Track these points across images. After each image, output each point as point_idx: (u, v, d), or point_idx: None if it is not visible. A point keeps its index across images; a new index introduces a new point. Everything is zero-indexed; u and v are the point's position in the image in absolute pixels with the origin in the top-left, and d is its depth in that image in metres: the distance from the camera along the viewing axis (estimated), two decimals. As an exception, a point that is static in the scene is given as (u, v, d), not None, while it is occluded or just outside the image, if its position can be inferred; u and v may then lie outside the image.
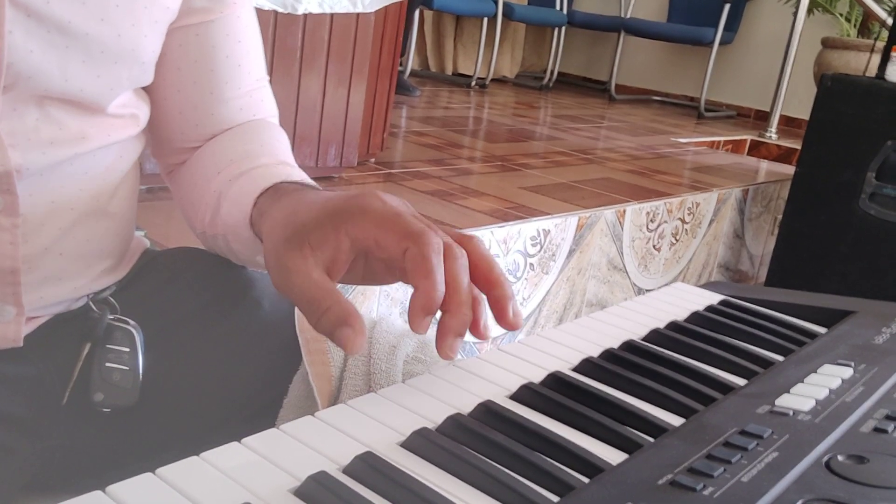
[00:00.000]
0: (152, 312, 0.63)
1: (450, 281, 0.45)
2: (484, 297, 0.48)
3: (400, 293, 1.43)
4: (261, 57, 0.68)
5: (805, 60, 4.05)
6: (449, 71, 4.83)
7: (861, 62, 3.61)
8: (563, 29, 4.96)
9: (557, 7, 5.00)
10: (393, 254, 0.45)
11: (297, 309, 0.58)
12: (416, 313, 0.43)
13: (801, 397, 0.45)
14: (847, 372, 0.49)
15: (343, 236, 0.46)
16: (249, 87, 0.66)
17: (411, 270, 0.44)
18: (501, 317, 0.47)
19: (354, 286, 0.93)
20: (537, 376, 0.48)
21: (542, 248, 1.76)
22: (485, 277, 0.47)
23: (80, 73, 0.53)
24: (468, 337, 0.46)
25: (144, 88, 0.62)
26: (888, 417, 0.42)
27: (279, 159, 0.62)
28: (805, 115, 2.46)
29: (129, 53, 0.56)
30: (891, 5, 3.65)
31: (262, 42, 0.68)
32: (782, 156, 3.59)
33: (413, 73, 4.43)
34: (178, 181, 0.68)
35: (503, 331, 0.48)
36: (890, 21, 2.33)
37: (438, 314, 0.45)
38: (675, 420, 0.44)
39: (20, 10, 0.49)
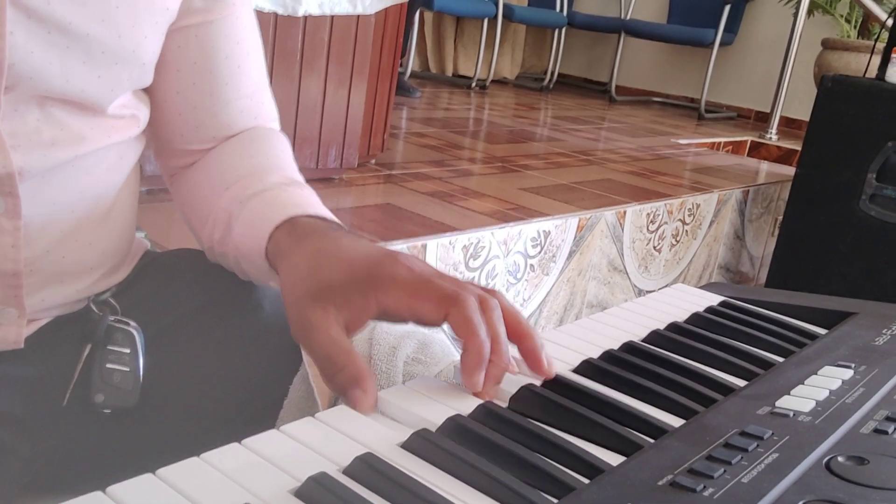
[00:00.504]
0: (153, 314, 0.63)
1: (491, 332, 0.47)
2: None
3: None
4: (261, 60, 0.68)
5: (805, 62, 4.05)
6: (449, 72, 4.83)
7: (861, 63, 3.60)
8: (564, 30, 4.96)
9: (558, 8, 5.00)
10: (430, 321, 0.48)
11: None
12: (472, 371, 0.46)
13: (802, 399, 0.45)
14: (847, 373, 0.49)
15: (372, 303, 0.48)
16: (250, 90, 0.66)
17: (458, 332, 0.47)
18: (537, 367, 0.49)
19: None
20: (537, 378, 0.48)
21: (542, 249, 1.76)
22: (514, 330, 0.49)
23: (80, 74, 0.53)
24: None
25: (144, 90, 0.62)
26: (888, 419, 0.42)
27: (288, 176, 0.63)
28: (805, 116, 2.46)
29: (129, 54, 0.56)
30: (891, 6, 3.65)
31: (261, 45, 0.68)
32: (783, 157, 3.59)
33: (413, 75, 4.43)
34: (181, 188, 0.68)
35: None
36: (890, 22, 2.33)
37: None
38: (675, 421, 0.44)
39: (21, 11, 0.49)
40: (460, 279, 0.49)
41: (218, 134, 0.65)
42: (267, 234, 0.56)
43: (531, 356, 0.49)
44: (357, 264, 0.49)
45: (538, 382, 0.47)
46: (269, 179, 0.61)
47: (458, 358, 0.46)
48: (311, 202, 0.59)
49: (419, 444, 0.39)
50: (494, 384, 0.47)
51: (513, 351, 0.48)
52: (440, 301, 0.47)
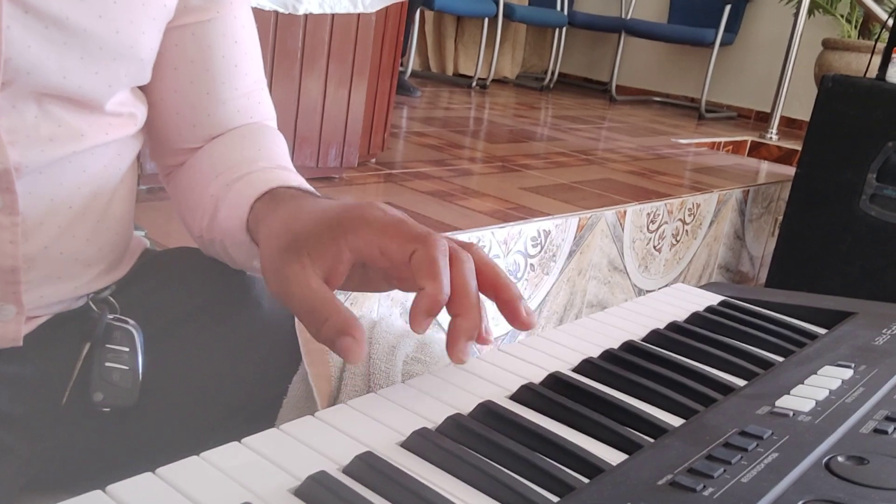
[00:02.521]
0: (152, 312, 0.63)
1: (460, 284, 0.44)
2: (484, 303, 0.48)
3: (400, 294, 1.43)
4: (258, 59, 0.68)
5: (806, 61, 4.05)
6: (450, 71, 4.83)
7: (862, 63, 3.60)
8: (564, 30, 4.96)
9: (558, 8, 5.00)
10: (398, 259, 0.45)
11: None
12: (419, 314, 0.43)
13: (801, 398, 0.45)
14: (847, 373, 0.49)
15: (343, 246, 0.46)
16: (247, 89, 0.66)
17: (418, 272, 0.44)
18: (515, 318, 0.46)
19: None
20: (537, 377, 0.48)
21: (542, 248, 1.76)
22: (490, 282, 0.47)
23: (78, 70, 0.53)
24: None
25: (142, 88, 0.62)
26: (888, 418, 0.42)
27: (277, 163, 0.62)
28: (806, 116, 2.46)
29: (127, 50, 0.56)
30: (891, 6, 3.65)
31: (259, 45, 0.68)
32: (783, 157, 3.59)
33: (414, 74, 4.43)
34: (175, 184, 0.68)
35: (504, 332, 0.48)
36: (890, 22, 2.33)
37: (440, 316, 0.45)
38: (675, 421, 0.44)
39: (18, 6, 0.49)
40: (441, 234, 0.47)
41: (214, 132, 0.65)
42: (248, 207, 0.56)
43: (507, 307, 0.46)
44: (329, 212, 0.48)
45: (537, 381, 0.47)
46: (256, 165, 0.61)
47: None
48: (294, 179, 0.59)
49: (419, 443, 0.39)
50: (465, 340, 0.44)
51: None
52: (408, 239, 0.45)
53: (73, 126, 0.56)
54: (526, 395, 0.46)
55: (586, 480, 0.37)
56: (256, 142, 0.65)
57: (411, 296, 0.45)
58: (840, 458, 0.38)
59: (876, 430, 0.41)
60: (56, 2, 0.50)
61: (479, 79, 4.55)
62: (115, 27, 0.54)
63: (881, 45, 2.28)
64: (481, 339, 0.46)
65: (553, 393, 0.46)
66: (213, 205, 0.61)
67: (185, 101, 0.64)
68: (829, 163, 2.17)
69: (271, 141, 0.66)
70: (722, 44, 4.54)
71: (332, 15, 1.67)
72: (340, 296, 0.55)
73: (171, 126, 0.65)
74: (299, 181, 0.60)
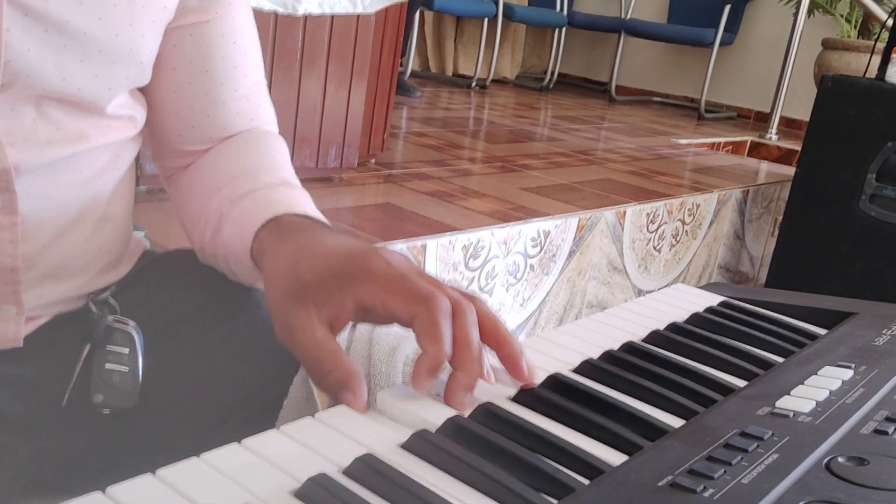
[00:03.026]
0: (152, 313, 0.63)
1: (461, 338, 0.45)
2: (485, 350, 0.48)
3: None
4: (258, 61, 0.67)
5: (805, 61, 4.05)
6: (449, 72, 4.83)
7: (861, 63, 3.60)
8: (564, 30, 4.96)
9: (558, 8, 5.00)
10: (401, 318, 0.46)
11: None
12: (421, 374, 0.44)
13: (802, 399, 0.45)
14: (847, 373, 0.49)
15: (348, 297, 0.47)
16: (246, 91, 0.66)
17: (419, 335, 0.45)
18: (517, 374, 0.47)
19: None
20: (537, 378, 0.48)
21: (542, 249, 1.76)
22: (492, 336, 0.47)
23: (77, 73, 0.53)
24: None
25: (141, 89, 0.62)
26: (888, 419, 0.42)
27: (281, 177, 0.62)
28: (805, 116, 2.46)
29: (126, 53, 0.56)
30: (891, 6, 3.65)
31: (259, 46, 0.68)
32: (782, 157, 3.59)
33: (413, 74, 4.43)
34: (177, 189, 0.68)
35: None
36: (890, 22, 2.33)
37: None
38: (675, 422, 0.44)
39: (18, 9, 0.49)
40: (441, 281, 0.48)
41: (214, 134, 0.65)
42: (252, 234, 0.56)
43: (509, 362, 0.47)
44: (334, 260, 0.48)
45: (537, 382, 0.47)
46: (261, 179, 0.61)
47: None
48: (299, 202, 0.59)
49: (419, 444, 0.39)
50: (464, 392, 0.44)
51: (493, 361, 0.47)
52: (411, 299, 0.45)
53: (72, 129, 0.56)
54: (525, 396, 0.46)
55: (586, 482, 0.37)
56: (259, 151, 0.65)
57: None
58: (840, 459, 0.38)
59: (876, 431, 0.41)
60: (56, 5, 0.50)
61: (478, 79, 4.55)
62: (114, 30, 0.54)
63: (881, 45, 2.28)
64: (485, 378, 0.46)
65: (553, 394, 0.46)
66: (216, 220, 0.60)
67: (183, 101, 0.64)
68: (828, 163, 2.17)
69: (274, 149, 0.66)
70: (721, 44, 4.54)
71: (332, 15, 1.67)
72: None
73: (170, 127, 0.65)
74: (303, 203, 0.59)
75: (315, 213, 0.58)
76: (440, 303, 0.45)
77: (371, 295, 0.46)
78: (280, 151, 0.66)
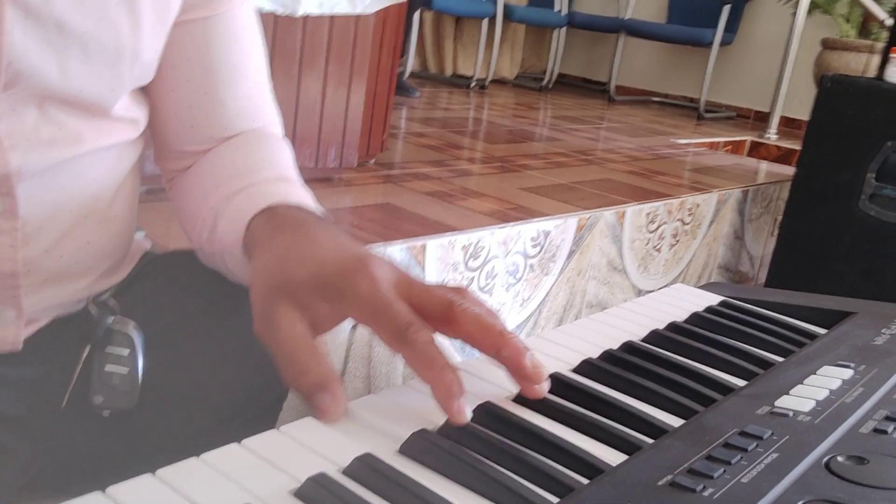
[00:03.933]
0: (152, 314, 0.63)
1: (476, 327, 0.44)
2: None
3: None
4: (261, 62, 0.66)
5: (805, 61, 4.05)
6: (448, 72, 4.83)
7: (861, 63, 3.61)
8: (563, 30, 4.96)
9: (557, 8, 5.00)
10: (388, 345, 0.44)
11: None
12: (448, 403, 0.42)
13: (801, 398, 0.45)
14: (847, 373, 0.49)
15: (337, 313, 0.46)
16: (248, 91, 0.65)
17: (415, 370, 0.43)
18: (520, 374, 0.45)
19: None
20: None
21: (542, 249, 1.76)
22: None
23: (79, 73, 0.53)
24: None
25: (142, 89, 0.62)
26: (888, 418, 0.42)
27: (280, 173, 0.61)
28: (805, 116, 2.46)
29: (129, 53, 0.55)
30: (891, 6, 3.65)
31: (263, 47, 0.67)
32: (782, 157, 3.59)
33: (413, 75, 4.43)
34: (177, 190, 0.67)
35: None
36: (890, 22, 2.33)
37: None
38: (674, 421, 0.44)
39: (20, 9, 0.49)
40: (429, 284, 0.46)
41: (214, 135, 0.65)
42: (245, 224, 0.55)
43: (511, 363, 0.44)
44: (325, 268, 0.47)
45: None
46: (258, 175, 0.60)
47: (458, 358, 0.46)
48: (295, 194, 0.58)
49: (419, 444, 0.39)
50: (527, 359, 0.43)
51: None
52: (392, 337, 0.43)
53: (74, 130, 0.55)
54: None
55: (586, 481, 0.37)
56: (259, 150, 0.64)
57: None
58: (840, 458, 0.38)
59: (876, 430, 0.41)
60: (57, 5, 0.50)
61: (478, 79, 4.55)
62: (116, 30, 0.54)
63: (880, 45, 2.28)
64: (518, 345, 0.44)
65: (552, 394, 0.46)
66: (212, 217, 0.60)
67: (182, 100, 0.63)
68: (828, 162, 2.17)
69: (275, 149, 0.65)
70: (721, 44, 4.54)
71: (331, 16, 1.67)
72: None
73: (169, 127, 0.64)
74: (300, 195, 0.58)
75: (311, 204, 0.57)
76: (418, 338, 0.43)
77: (359, 317, 0.45)
78: (281, 152, 0.65)
